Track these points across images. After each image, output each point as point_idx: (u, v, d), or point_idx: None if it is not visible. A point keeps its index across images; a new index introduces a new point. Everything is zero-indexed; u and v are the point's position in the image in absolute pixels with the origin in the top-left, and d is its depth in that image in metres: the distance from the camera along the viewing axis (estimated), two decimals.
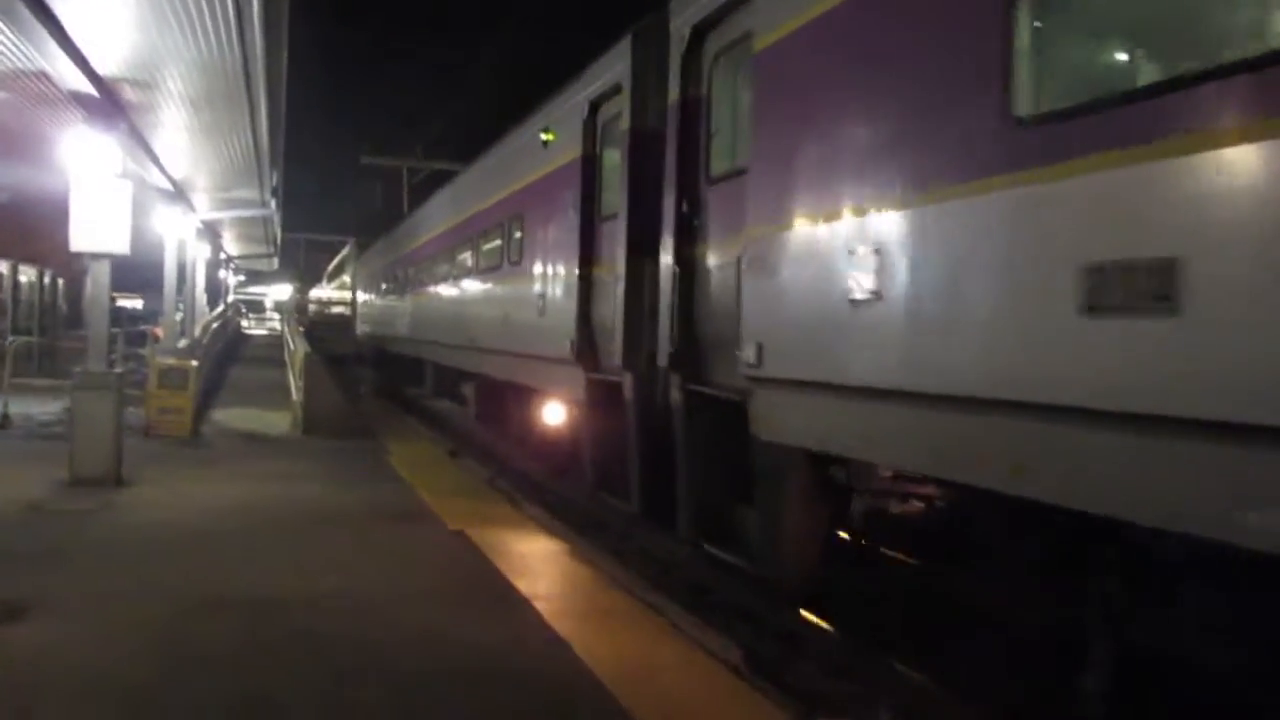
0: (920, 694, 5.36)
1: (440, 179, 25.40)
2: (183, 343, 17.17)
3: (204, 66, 9.05)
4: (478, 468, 11.99)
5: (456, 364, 15.61)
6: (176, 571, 6.13)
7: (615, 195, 8.56)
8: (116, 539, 6.95)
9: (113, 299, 11.14)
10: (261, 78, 9.67)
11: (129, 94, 9.91)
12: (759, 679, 4.72)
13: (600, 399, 8.66)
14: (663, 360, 7.33)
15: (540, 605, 5.68)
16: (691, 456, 7.01)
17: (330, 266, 56.63)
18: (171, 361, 13.27)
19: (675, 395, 7.10)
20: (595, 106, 9.22)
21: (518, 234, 11.72)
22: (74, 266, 22.52)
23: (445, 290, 16.99)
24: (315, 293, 61.20)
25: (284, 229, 35.56)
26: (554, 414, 10.37)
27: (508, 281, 12.16)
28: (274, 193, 18.70)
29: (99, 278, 9.39)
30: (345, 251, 43.37)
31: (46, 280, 24.05)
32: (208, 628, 5.04)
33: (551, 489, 11.44)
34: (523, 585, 6.15)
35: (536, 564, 6.95)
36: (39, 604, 5.24)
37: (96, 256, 9.20)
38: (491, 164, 14.12)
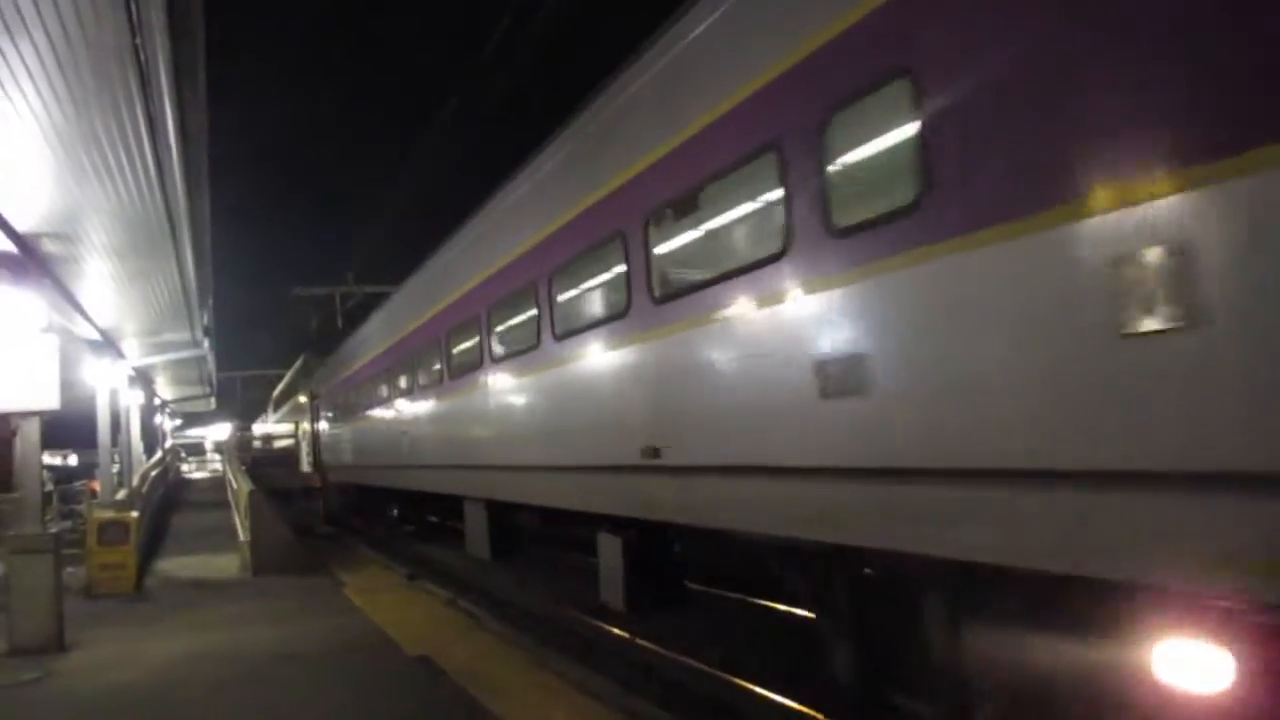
0: None
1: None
2: (121, 494, 16.67)
3: (126, 217, 9.04)
4: (437, 590, 11.73)
5: (567, 502, 8.49)
6: None
7: None
8: (61, 709, 6.62)
9: (62, 458, 10.77)
10: (185, 222, 9.68)
11: (50, 247, 9.84)
12: None
13: None
14: None
15: None
16: None
17: (276, 393, 50.58)
18: (110, 515, 12.86)
19: None
20: None
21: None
22: (1, 427, 21.89)
23: (525, 375, 9.16)
24: (258, 428, 59.91)
25: (219, 368, 35.13)
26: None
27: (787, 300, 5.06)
28: (206, 331, 18.51)
29: (29, 436, 9.15)
30: (295, 369, 36.46)
31: None
32: None
33: (516, 603, 11.19)
34: (494, 705, 5.99)
35: (505, 682, 6.77)
36: None
37: (25, 415, 8.99)
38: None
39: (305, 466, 29.47)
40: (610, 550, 7.94)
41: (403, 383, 15.04)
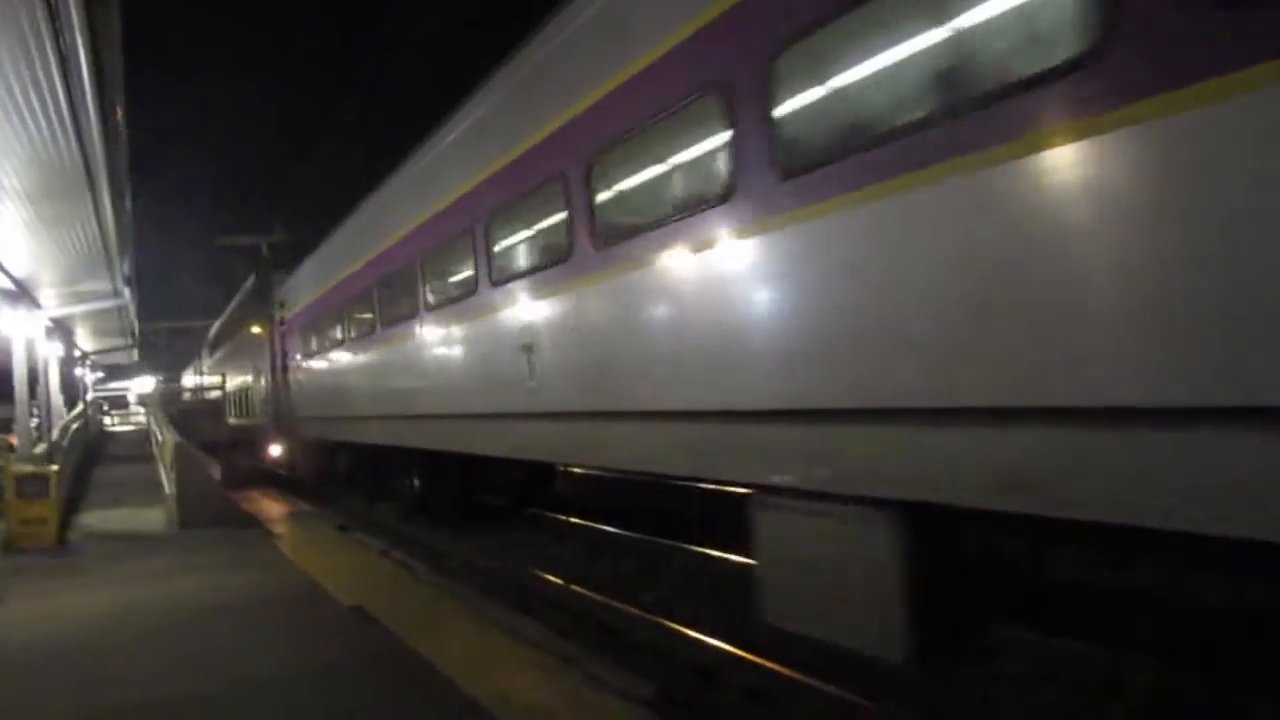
0: (838, 702, 5.43)
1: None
2: (40, 448, 16.21)
3: (39, 160, 8.69)
4: (370, 541, 11.69)
5: None
6: (57, 687, 5.76)
7: None
8: None
9: None
10: (102, 167, 9.34)
11: None
12: (675, 712, 4.75)
13: None
14: None
15: (447, 669, 5.57)
16: None
17: (213, 331, 40.64)
18: (29, 469, 12.51)
19: None
20: None
21: None
22: None
23: None
24: (188, 379, 58.07)
25: (141, 319, 34.15)
26: None
27: None
28: (127, 281, 17.96)
29: None
30: (244, 292, 28.68)
31: None
32: None
33: (451, 555, 11.21)
34: (426, 648, 6.03)
35: (436, 624, 6.80)
36: None
37: None
38: None
39: (260, 418, 23.23)
40: None
41: (521, 253, 8.64)
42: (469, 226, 9.46)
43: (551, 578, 8.95)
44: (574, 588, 8.48)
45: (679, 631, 6.81)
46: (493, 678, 5.39)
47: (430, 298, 10.92)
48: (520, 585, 9.11)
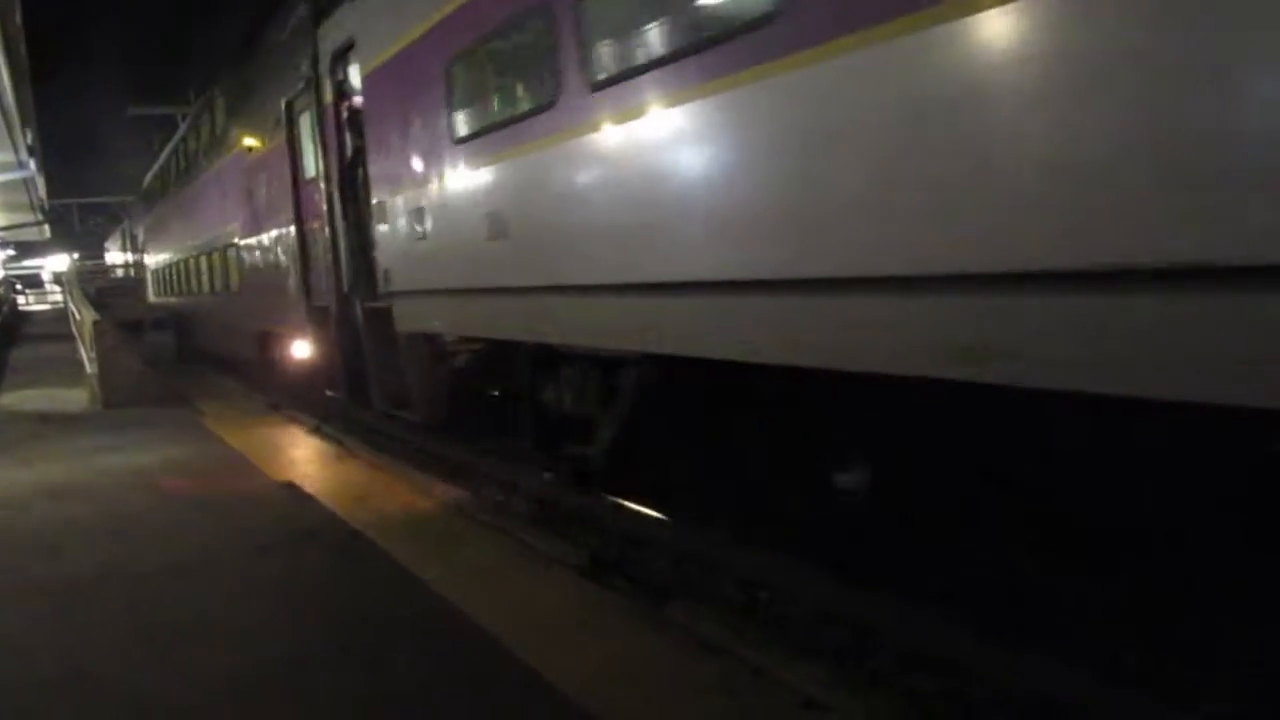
0: (764, 568, 5.58)
1: None
2: None
3: None
4: (303, 418, 11.58)
5: None
6: None
7: None
8: None
9: None
10: None
11: None
12: (607, 578, 4.86)
13: None
14: None
15: (384, 542, 5.60)
16: None
17: (151, 173, 28.17)
18: None
19: None
20: None
21: None
22: None
23: None
24: (111, 257, 55.41)
25: (51, 194, 32.67)
26: None
27: None
28: (31, 152, 17.06)
29: None
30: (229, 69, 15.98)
31: None
32: (18, 618, 4.71)
33: (383, 431, 11.16)
34: (360, 522, 6.04)
35: (371, 499, 6.81)
36: None
37: None
38: None
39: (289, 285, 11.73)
40: None
41: None
42: None
43: (482, 449, 8.97)
44: (502, 460, 8.52)
45: (611, 502, 6.92)
46: (427, 548, 5.44)
47: None
48: (457, 461, 9.13)
